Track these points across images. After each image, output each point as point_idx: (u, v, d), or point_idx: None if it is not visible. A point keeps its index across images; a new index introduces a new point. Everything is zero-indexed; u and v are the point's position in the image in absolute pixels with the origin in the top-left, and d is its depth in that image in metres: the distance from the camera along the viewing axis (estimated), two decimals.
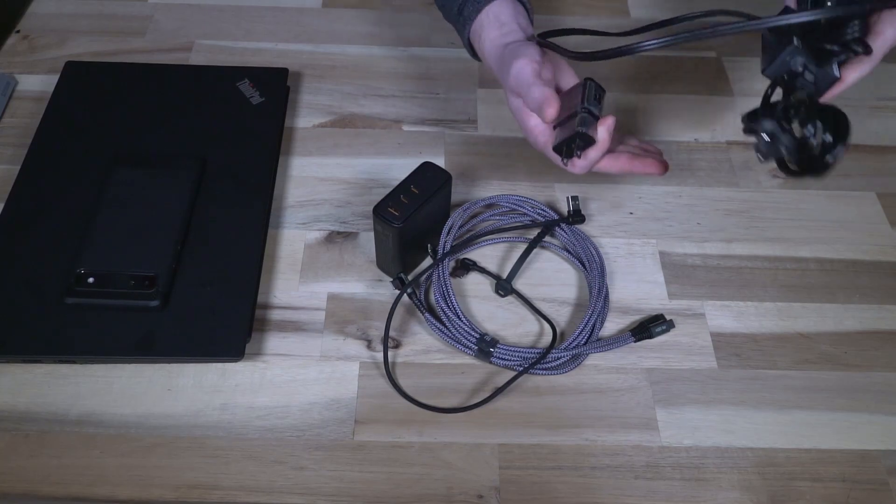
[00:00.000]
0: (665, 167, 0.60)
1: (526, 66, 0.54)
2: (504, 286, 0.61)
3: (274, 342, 0.59)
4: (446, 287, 0.59)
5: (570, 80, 0.58)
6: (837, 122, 0.49)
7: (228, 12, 0.84)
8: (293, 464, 0.53)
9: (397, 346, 0.59)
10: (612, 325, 0.61)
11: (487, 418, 0.55)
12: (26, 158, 0.67)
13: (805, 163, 0.50)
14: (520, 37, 0.59)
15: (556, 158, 0.56)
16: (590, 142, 0.53)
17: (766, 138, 0.50)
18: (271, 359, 0.58)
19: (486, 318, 0.61)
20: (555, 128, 0.55)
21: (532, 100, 0.53)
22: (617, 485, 0.53)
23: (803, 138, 0.49)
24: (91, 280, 0.58)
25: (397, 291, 0.60)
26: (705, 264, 0.65)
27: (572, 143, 0.54)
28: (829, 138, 0.49)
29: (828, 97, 0.50)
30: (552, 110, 0.53)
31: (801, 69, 0.48)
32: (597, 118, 0.54)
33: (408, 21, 0.85)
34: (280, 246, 0.64)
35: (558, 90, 0.56)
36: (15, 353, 0.56)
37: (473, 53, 0.63)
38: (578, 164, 0.56)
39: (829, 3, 0.48)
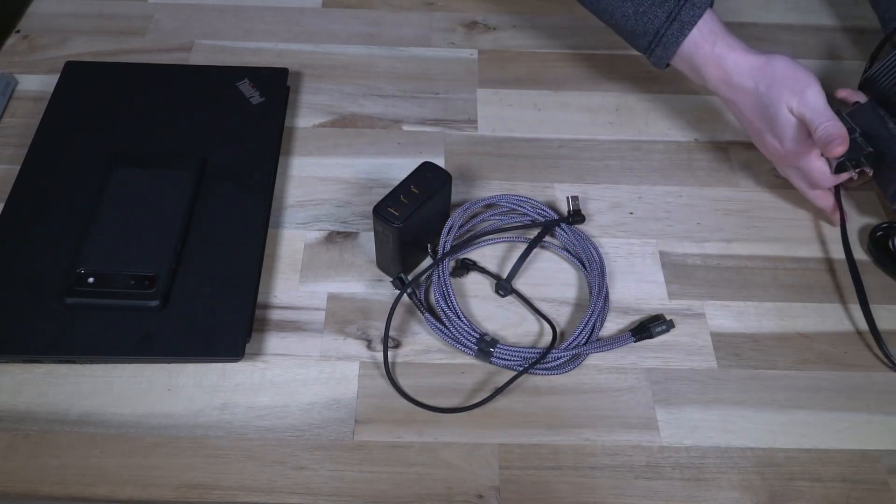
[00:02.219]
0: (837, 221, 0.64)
1: (820, 95, 0.53)
2: (504, 286, 0.61)
3: (274, 342, 0.59)
4: (446, 287, 0.59)
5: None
6: None
7: (228, 12, 0.84)
8: (293, 464, 0.53)
9: (397, 346, 0.59)
10: (612, 325, 0.61)
11: (487, 418, 0.55)
12: (26, 158, 0.67)
13: None
14: (746, 47, 0.58)
15: (828, 201, 0.64)
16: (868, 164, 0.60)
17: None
18: (271, 359, 0.58)
19: (486, 318, 0.61)
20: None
21: (825, 132, 0.52)
22: (617, 485, 0.53)
23: None
24: (91, 280, 0.58)
25: (397, 291, 0.60)
26: (705, 264, 0.65)
27: (861, 157, 0.59)
28: None
29: None
30: (842, 148, 0.52)
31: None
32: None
33: (408, 21, 0.85)
34: (280, 246, 0.64)
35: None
36: (15, 353, 0.56)
37: (665, 63, 0.63)
38: (833, 179, 0.60)
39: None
